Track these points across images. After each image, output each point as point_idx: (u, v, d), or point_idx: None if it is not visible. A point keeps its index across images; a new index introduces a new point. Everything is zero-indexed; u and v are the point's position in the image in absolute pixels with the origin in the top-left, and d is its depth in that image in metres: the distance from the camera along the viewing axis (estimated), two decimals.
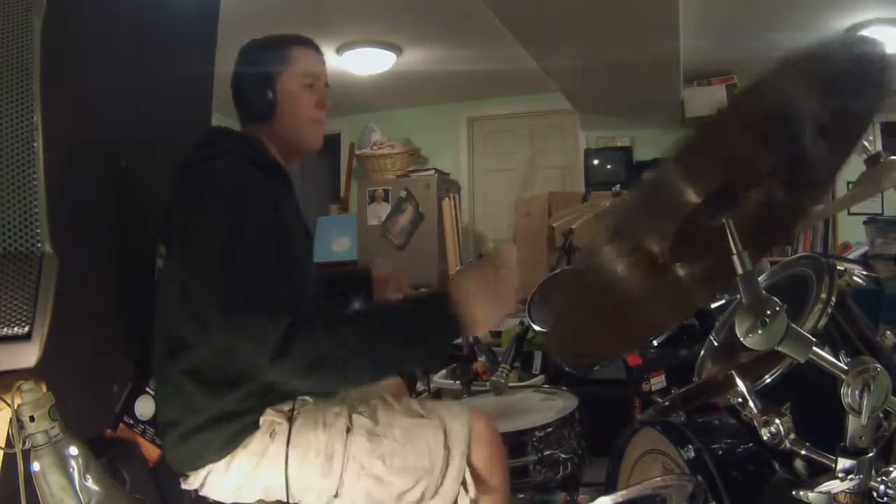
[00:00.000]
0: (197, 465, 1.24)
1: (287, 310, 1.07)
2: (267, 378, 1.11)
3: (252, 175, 1.25)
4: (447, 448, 1.22)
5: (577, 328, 1.00)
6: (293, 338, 1.05)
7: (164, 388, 1.30)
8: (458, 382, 2.51)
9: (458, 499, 1.22)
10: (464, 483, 1.22)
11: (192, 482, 1.26)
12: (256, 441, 1.22)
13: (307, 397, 1.28)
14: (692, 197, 0.81)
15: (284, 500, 1.22)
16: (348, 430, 1.23)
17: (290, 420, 1.23)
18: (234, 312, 1.10)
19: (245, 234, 1.16)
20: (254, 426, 1.22)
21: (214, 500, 1.27)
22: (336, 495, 1.21)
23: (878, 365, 0.77)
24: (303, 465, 1.21)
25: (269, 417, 1.23)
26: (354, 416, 1.26)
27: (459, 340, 1.26)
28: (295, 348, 1.05)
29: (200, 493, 1.27)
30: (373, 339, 1.11)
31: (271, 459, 1.21)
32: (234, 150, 1.29)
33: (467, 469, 1.22)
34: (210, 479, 1.24)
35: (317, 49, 1.43)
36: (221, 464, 1.22)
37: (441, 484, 1.21)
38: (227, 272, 1.13)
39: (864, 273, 1.27)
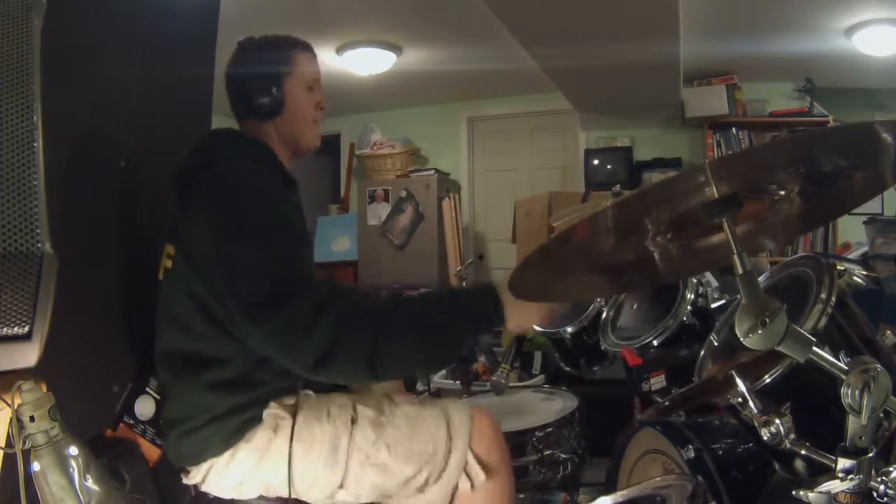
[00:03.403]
0: (198, 459, 1.23)
1: (318, 290, 1.12)
2: (304, 363, 1.12)
3: (262, 175, 1.28)
4: (450, 435, 1.23)
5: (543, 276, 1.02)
6: (330, 316, 1.10)
7: (168, 386, 1.30)
8: (458, 382, 2.51)
9: (459, 483, 1.22)
10: (469, 470, 1.22)
11: (192, 477, 1.26)
12: (259, 436, 1.22)
13: (309, 391, 1.28)
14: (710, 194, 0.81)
15: (286, 496, 1.22)
16: (353, 421, 1.24)
17: (294, 415, 1.23)
18: (258, 306, 1.13)
19: (261, 231, 1.18)
20: (257, 420, 1.23)
21: (214, 497, 1.27)
22: (341, 486, 1.22)
23: (878, 365, 0.77)
24: (307, 459, 1.21)
25: (272, 411, 1.23)
26: (359, 406, 1.27)
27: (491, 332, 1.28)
28: (332, 325, 1.09)
29: (201, 489, 1.27)
30: (407, 325, 1.14)
31: (274, 455, 1.21)
32: (242, 152, 1.31)
33: (471, 454, 1.22)
34: (211, 473, 1.24)
35: (314, 53, 1.47)
36: (223, 458, 1.22)
37: (444, 468, 1.22)
38: (249, 267, 1.15)
39: (864, 273, 1.27)
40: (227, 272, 1.16)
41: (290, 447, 1.20)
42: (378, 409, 1.27)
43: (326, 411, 1.25)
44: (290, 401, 1.25)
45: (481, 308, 1.20)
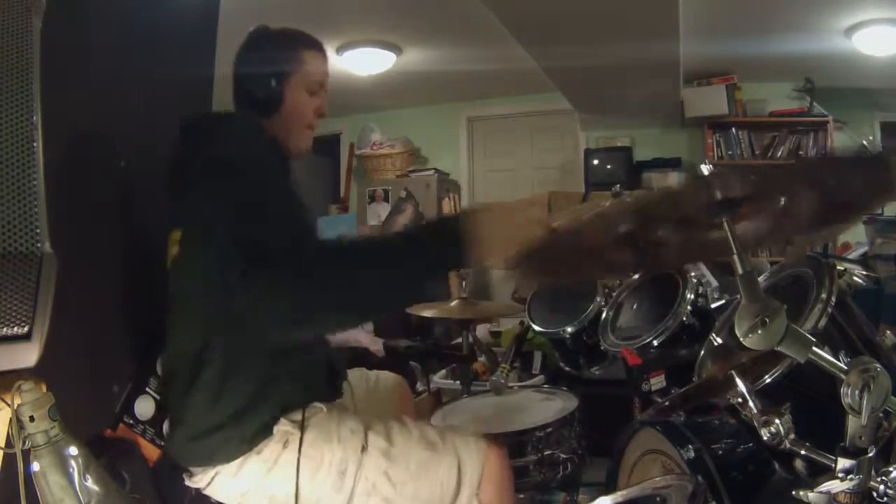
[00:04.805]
0: (207, 463, 1.23)
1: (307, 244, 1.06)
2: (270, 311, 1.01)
3: (257, 142, 1.27)
4: (459, 482, 1.23)
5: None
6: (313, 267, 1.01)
7: (178, 382, 1.27)
8: (458, 382, 2.51)
9: None
10: None
11: (197, 480, 1.25)
12: (270, 448, 1.21)
13: (319, 404, 1.27)
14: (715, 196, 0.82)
15: None
16: (363, 449, 1.23)
17: (302, 429, 1.22)
18: (255, 251, 1.03)
19: (264, 191, 1.14)
20: (267, 431, 1.21)
21: (216, 501, 1.27)
22: None
23: (878, 365, 0.77)
24: (315, 478, 1.20)
25: (282, 427, 1.22)
26: (370, 434, 1.25)
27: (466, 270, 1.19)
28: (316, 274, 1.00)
29: (204, 493, 1.26)
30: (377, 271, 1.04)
31: (282, 468, 1.20)
32: (238, 130, 1.29)
33: (476, 501, 1.23)
34: (218, 480, 1.23)
35: (324, 53, 1.43)
36: (232, 467, 1.21)
37: None
38: (249, 221, 1.08)
39: (864, 273, 1.27)
40: (232, 218, 1.09)
41: (298, 463, 1.19)
42: (389, 440, 1.26)
43: (337, 434, 1.24)
44: (298, 416, 1.24)
45: (442, 245, 1.06)
